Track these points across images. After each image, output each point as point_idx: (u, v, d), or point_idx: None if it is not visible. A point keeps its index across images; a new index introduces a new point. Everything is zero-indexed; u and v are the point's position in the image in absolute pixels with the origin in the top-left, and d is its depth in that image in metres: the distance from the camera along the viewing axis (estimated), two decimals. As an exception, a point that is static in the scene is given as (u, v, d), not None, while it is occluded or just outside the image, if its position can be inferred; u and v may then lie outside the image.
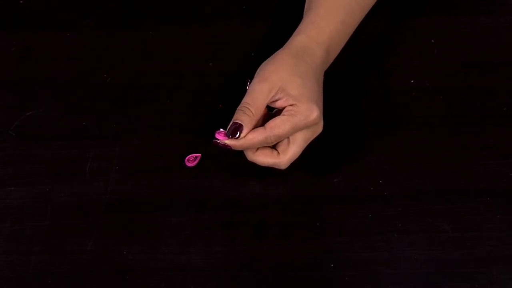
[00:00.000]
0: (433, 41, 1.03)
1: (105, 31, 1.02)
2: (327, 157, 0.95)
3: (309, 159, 0.94)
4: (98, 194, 0.91)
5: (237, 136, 0.88)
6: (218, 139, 0.89)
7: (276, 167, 0.91)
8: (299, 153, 0.91)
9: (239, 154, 0.93)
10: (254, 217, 0.91)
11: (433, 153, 0.95)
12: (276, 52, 0.92)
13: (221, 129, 0.89)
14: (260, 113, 0.89)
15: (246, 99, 0.89)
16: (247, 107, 0.88)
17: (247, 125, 0.88)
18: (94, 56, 1.01)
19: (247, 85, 0.91)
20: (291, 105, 0.89)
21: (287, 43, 0.93)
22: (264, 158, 0.91)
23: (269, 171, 0.93)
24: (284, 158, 0.91)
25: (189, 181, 0.93)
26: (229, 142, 0.89)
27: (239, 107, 0.89)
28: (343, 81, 0.96)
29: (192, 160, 0.93)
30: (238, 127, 0.88)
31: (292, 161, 0.91)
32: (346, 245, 0.89)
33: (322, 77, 0.93)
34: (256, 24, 1.04)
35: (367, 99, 0.99)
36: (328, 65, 0.94)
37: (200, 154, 0.94)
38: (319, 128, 0.91)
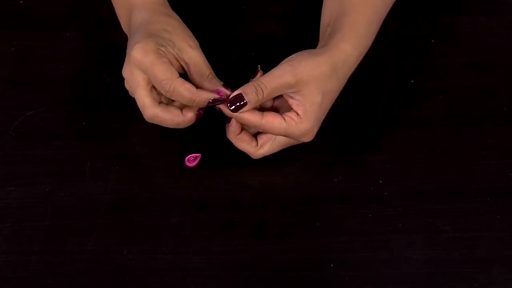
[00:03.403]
0: (433, 41, 1.03)
1: (105, 31, 1.02)
2: (327, 157, 0.95)
3: (309, 159, 0.94)
4: (98, 194, 0.92)
5: (234, 108, 0.87)
6: (216, 99, 0.88)
7: (249, 154, 0.91)
8: (274, 152, 0.91)
9: (239, 154, 0.93)
10: (254, 217, 0.91)
11: (433, 153, 0.95)
12: (317, 51, 0.89)
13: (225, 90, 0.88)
14: (268, 99, 0.88)
15: (266, 80, 0.87)
16: (262, 89, 0.86)
17: (251, 103, 0.86)
18: (94, 56, 1.01)
19: (257, 69, 0.90)
20: (297, 114, 0.88)
21: (330, 46, 0.90)
22: (241, 144, 0.90)
23: (269, 172, 0.93)
24: (260, 151, 0.90)
25: (189, 181, 0.93)
26: (222, 107, 0.88)
27: (255, 82, 0.87)
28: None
29: (192, 160, 0.93)
30: (240, 101, 0.86)
31: (265, 155, 0.91)
32: (346, 245, 0.89)
33: (340, 91, 0.92)
34: (257, 24, 1.04)
35: (367, 99, 0.99)
36: None
37: (200, 154, 0.94)
38: (304, 141, 0.91)
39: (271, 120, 0.88)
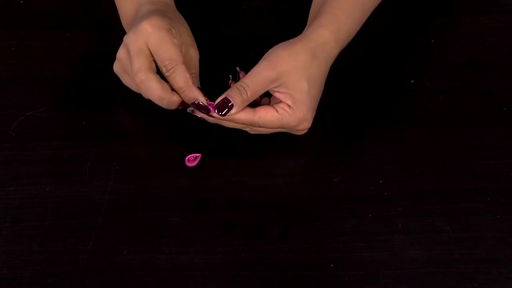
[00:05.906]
0: (433, 41, 1.03)
1: (105, 31, 1.02)
2: (327, 157, 0.95)
3: (309, 159, 0.94)
4: (98, 194, 0.91)
5: (223, 113, 0.88)
6: (200, 105, 0.88)
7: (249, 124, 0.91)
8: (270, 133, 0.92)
9: (239, 154, 0.93)
10: (254, 217, 0.91)
11: (433, 153, 0.95)
12: (293, 41, 0.90)
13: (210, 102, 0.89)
14: (255, 97, 0.89)
15: (247, 80, 0.88)
16: (244, 89, 0.88)
17: (237, 105, 0.87)
18: (94, 56, 1.01)
19: (229, 82, 0.92)
20: (288, 106, 0.88)
21: (306, 33, 0.91)
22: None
23: (269, 172, 0.93)
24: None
25: (189, 181, 0.93)
26: (214, 115, 0.88)
27: (236, 84, 0.88)
28: (343, 81, 0.96)
29: (192, 160, 0.93)
30: (227, 105, 0.87)
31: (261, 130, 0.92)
32: (346, 245, 0.89)
33: (326, 77, 0.92)
34: (256, 24, 1.04)
35: (367, 99, 0.99)
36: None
37: (200, 154, 0.94)
38: (301, 133, 0.92)
39: (264, 115, 0.88)
